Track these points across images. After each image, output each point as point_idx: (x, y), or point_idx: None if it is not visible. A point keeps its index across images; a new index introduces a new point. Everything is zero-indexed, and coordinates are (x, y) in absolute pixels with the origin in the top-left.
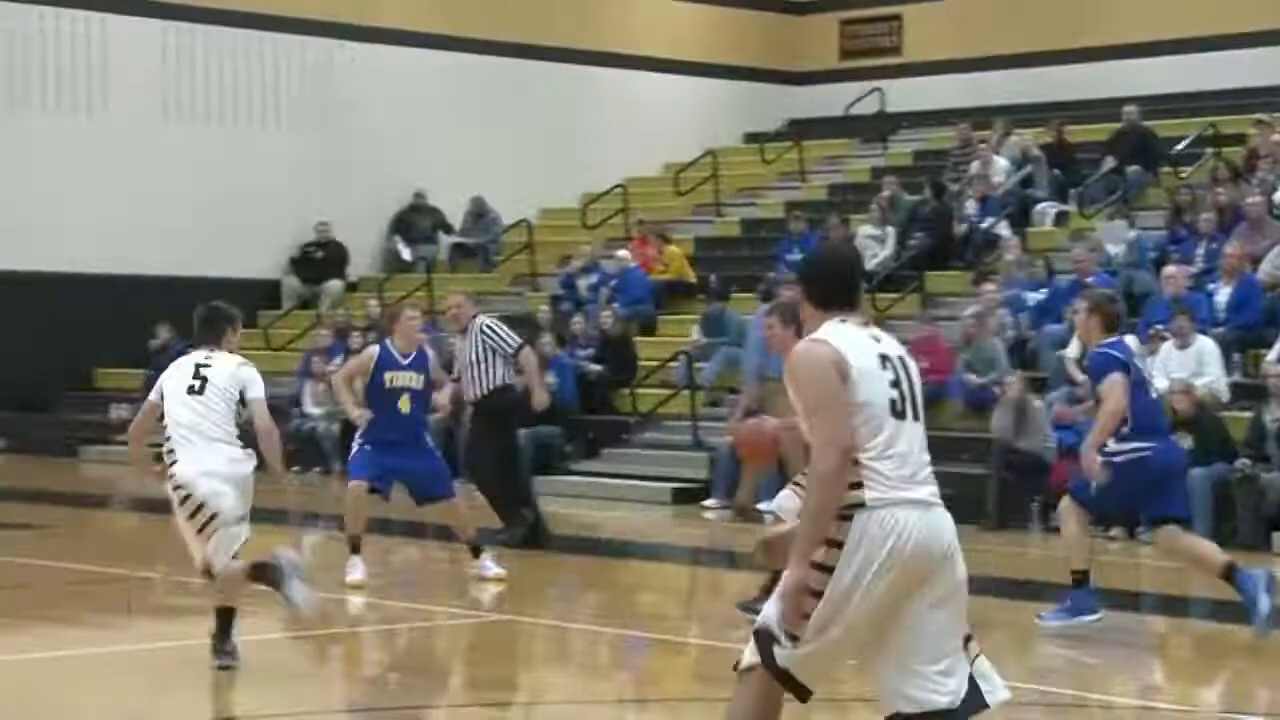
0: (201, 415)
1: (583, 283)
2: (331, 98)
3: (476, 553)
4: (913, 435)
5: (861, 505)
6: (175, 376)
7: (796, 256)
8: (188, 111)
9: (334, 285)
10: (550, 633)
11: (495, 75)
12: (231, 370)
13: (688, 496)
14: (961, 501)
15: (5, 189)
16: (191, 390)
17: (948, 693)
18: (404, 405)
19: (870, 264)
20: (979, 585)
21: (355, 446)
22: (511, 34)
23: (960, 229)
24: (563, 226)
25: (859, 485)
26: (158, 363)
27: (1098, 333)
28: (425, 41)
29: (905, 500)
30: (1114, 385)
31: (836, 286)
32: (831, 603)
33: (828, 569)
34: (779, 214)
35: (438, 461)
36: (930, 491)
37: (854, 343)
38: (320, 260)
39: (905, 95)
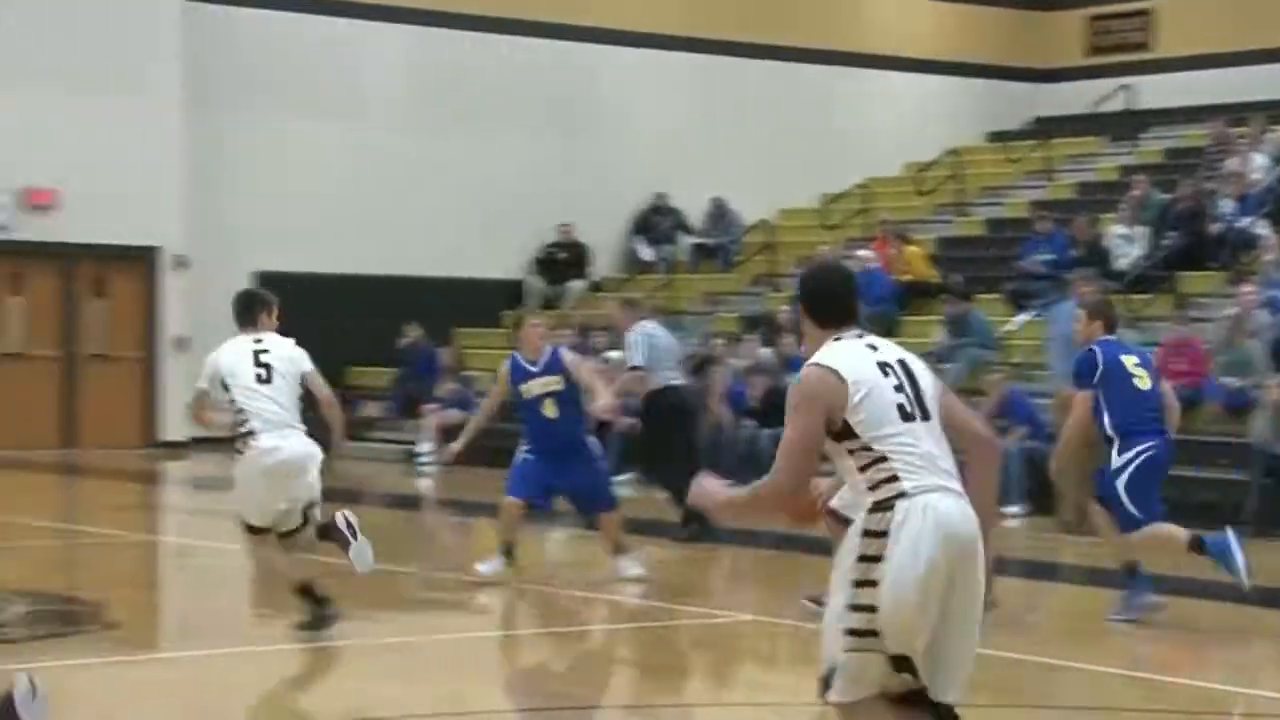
0: (273, 402)
1: None
2: (575, 100)
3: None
4: (928, 434)
5: (903, 494)
6: (239, 366)
7: (1046, 256)
8: (436, 115)
9: (576, 286)
10: (793, 632)
11: (737, 76)
12: (288, 353)
13: None
14: (1218, 508)
15: (266, 192)
16: (260, 379)
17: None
18: (549, 410)
19: (1120, 264)
20: (1238, 593)
21: (519, 453)
22: (753, 35)
23: (1215, 228)
24: (802, 227)
25: (895, 478)
26: (406, 361)
27: (1099, 334)
28: (668, 44)
29: (939, 488)
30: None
31: (831, 304)
32: (890, 584)
33: (877, 559)
34: (1024, 214)
35: (597, 474)
36: (950, 480)
37: (851, 357)
38: (563, 261)
39: (1155, 91)
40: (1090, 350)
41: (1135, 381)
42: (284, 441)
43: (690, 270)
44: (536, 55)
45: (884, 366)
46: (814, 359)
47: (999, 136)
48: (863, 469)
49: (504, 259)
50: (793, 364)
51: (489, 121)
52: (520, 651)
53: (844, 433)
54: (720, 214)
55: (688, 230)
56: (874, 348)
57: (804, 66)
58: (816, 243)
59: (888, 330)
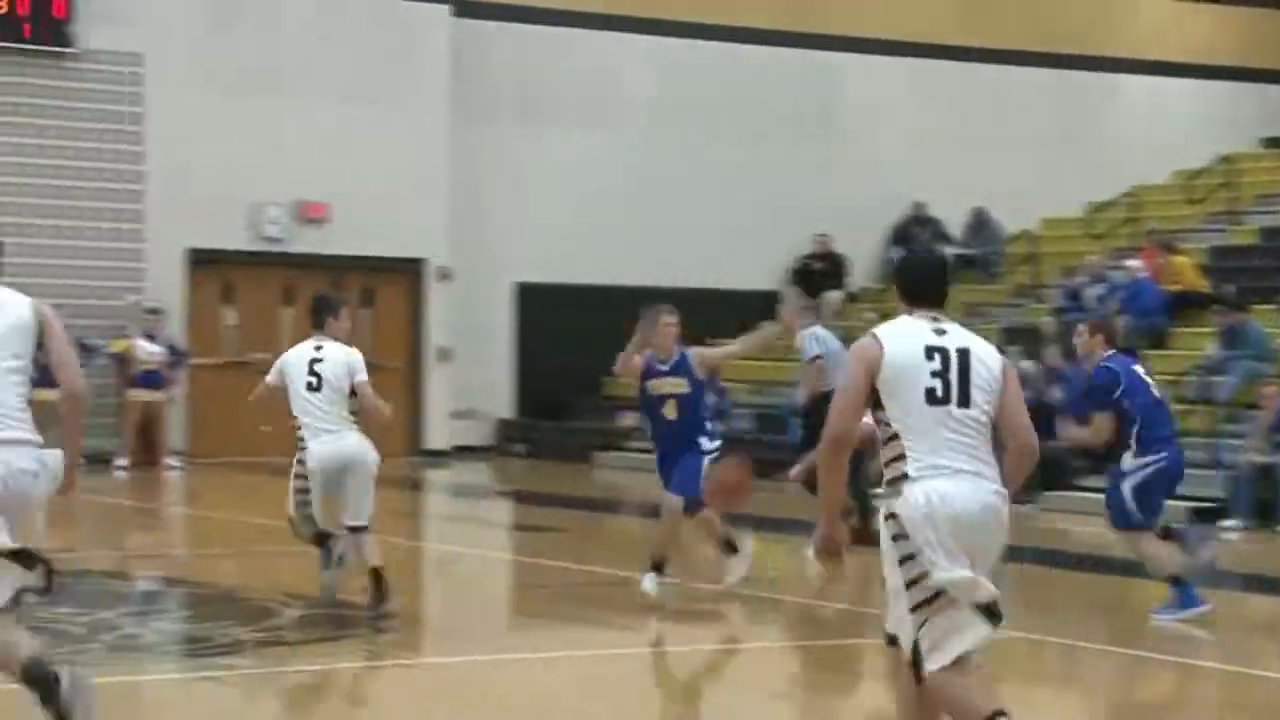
0: (320, 409)
1: (1090, 293)
2: (833, 111)
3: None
4: (952, 418)
5: (905, 477)
6: (295, 368)
7: None
8: (694, 126)
9: (833, 296)
10: (1061, 652)
11: (1000, 83)
12: (342, 361)
13: (1205, 516)
14: None
15: (527, 204)
16: (310, 387)
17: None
18: (669, 411)
19: None
20: None
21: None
22: (1018, 42)
23: None
24: (1067, 237)
25: (901, 458)
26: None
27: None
28: (928, 52)
29: (938, 470)
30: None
31: (918, 286)
32: (917, 553)
33: (905, 536)
34: None
35: (688, 473)
36: (964, 463)
37: (901, 333)
38: (819, 271)
39: None
40: (1106, 367)
41: (1154, 392)
42: (326, 446)
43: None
44: (793, 65)
45: (933, 350)
46: (875, 329)
47: (1275, 143)
48: (885, 443)
49: (761, 269)
50: (1059, 376)
51: (746, 132)
52: (776, 664)
53: (876, 403)
54: (981, 224)
55: (948, 240)
56: (939, 332)
57: (1070, 73)
58: (1083, 252)
59: (1157, 342)
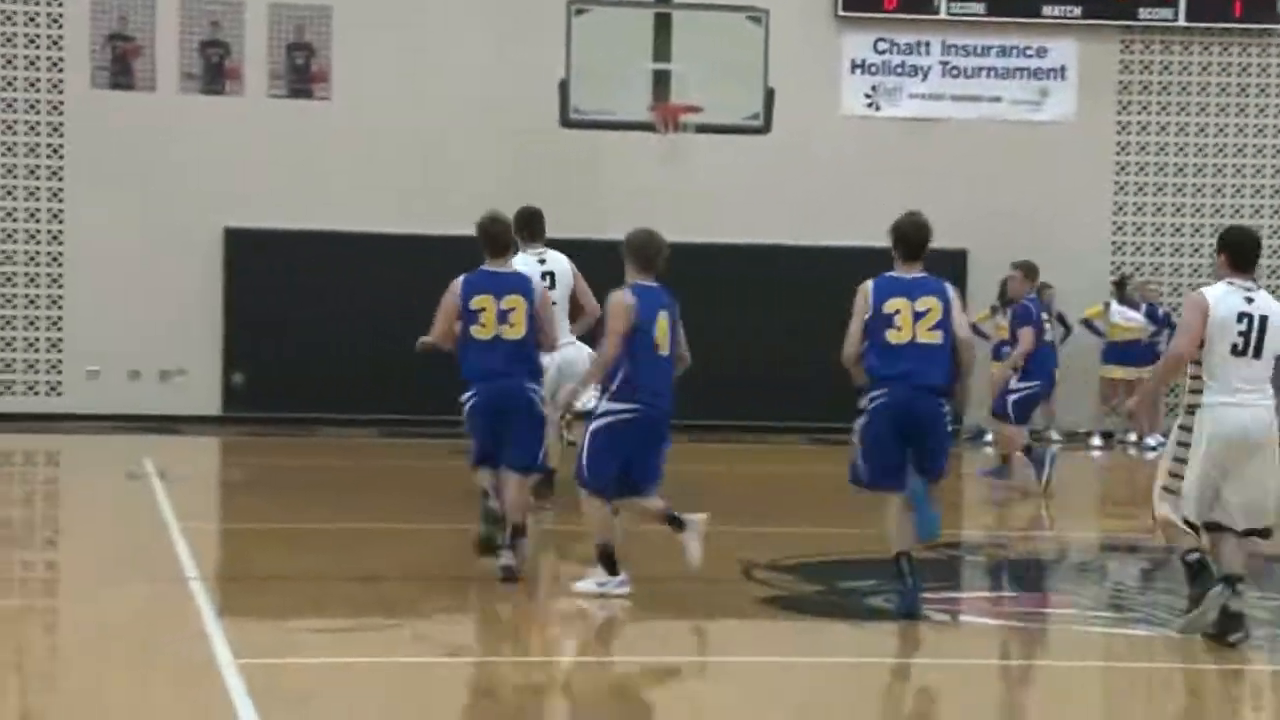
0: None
1: None
2: None
3: None
4: (1246, 367)
5: (1200, 405)
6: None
7: None
8: None
9: None
10: None
11: None
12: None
13: None
14: None
15: None
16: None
17: (1240, 522)
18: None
19: None
20: None
21: None
22: None
23: None
24: None
25: (1200, 391)
26: None
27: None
28: None
29: (1225, 403)
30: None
31: (1239, 257)
32: (1193, 459)
33: (1188, 445)
34: None
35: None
36: (1245, 398)
37: (1223, 299)
38: None
39: None
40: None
41: None
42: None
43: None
44: None
45: (1242, 315)
46: (1206, 287)
47: None
48: (1191, 378)
49: None
50: None
51: None
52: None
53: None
54: None
55: None
56: (1249, 300)
57: None
58: None
59: None
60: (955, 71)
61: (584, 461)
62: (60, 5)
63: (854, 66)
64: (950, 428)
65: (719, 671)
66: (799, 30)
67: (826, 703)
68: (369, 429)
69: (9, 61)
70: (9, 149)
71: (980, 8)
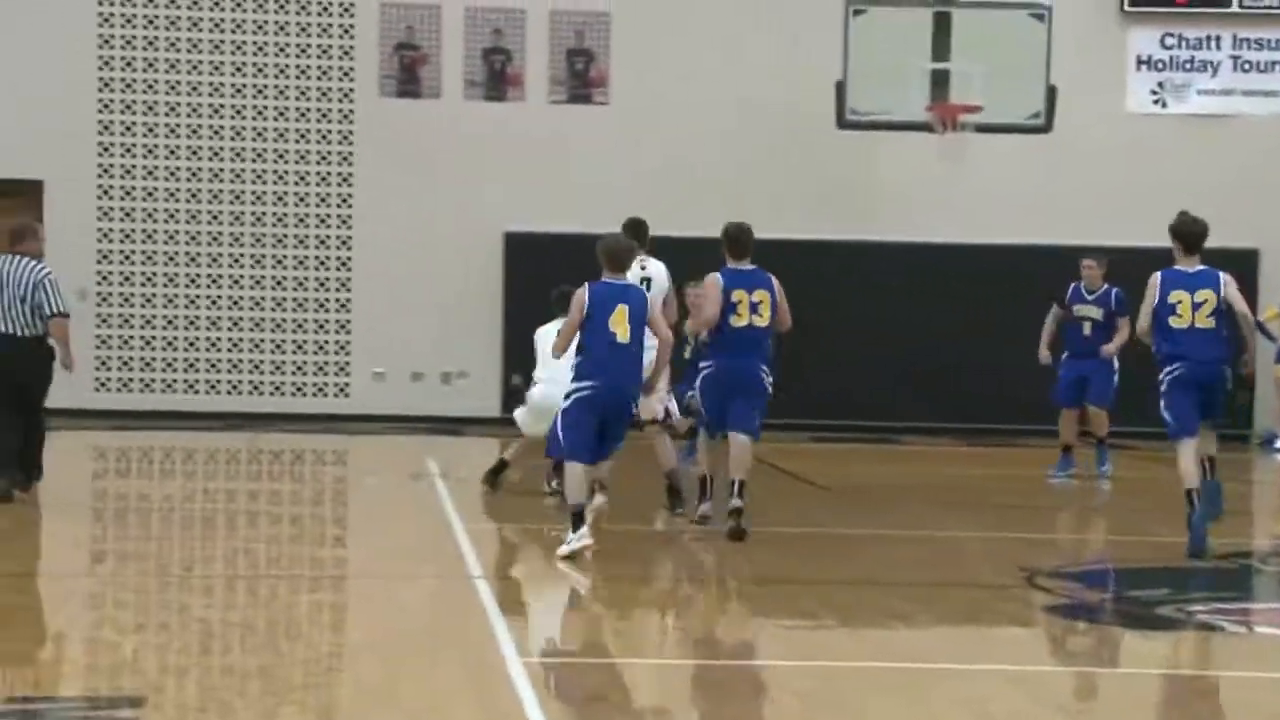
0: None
1: None
2: None
3: None
4: None
5: None
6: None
7: None
8: None
9: None
10: None
11: None
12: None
13: None
14: None
15: None
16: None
17: None
18: (1085, 330)
19: None
20: None
21: None
22: None
23: None
24: None
25: None
26: None
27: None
28: None
29: None
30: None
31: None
32: None
33: None
34: None
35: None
36: None
37: None
38: None
39: None
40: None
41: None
42: None
43: None
44: None
45: None
46: None
47: None
48: None
49: None
50: None
51: None
52: None
53: None
54: None
55: None
56: None
57: None
58: None
59: None
60: (1247, 66)
61: (559, 433)
62: (351, 17)
63: (1140, 62)
64: (1229, 385)
65: (1007, 678)
66: (1083, 26)
67: (1119, 712)
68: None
69: (303, 72)
70: (302, 157)
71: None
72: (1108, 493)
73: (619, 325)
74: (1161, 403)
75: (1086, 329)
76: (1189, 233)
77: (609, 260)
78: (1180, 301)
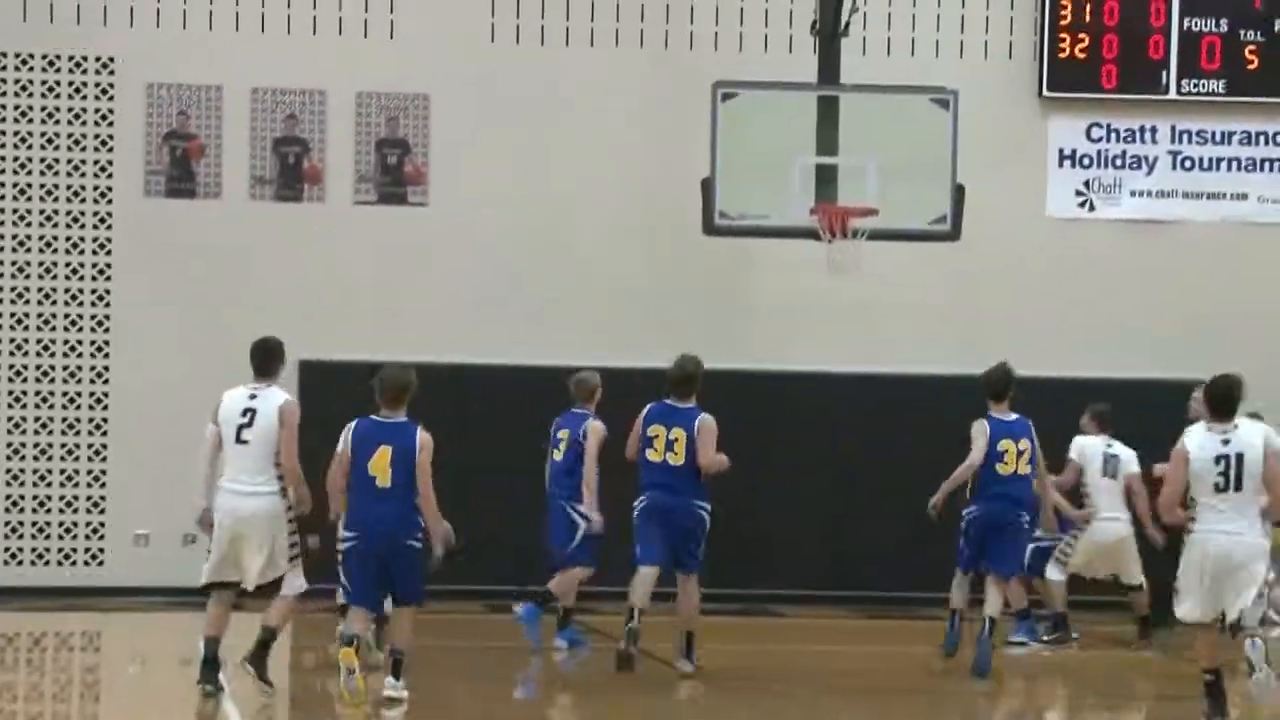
0: None
1: None
2: None
3: None
4: (1229, 501)
5: (1192, 532)
6: None
7: None
8: None
9: None
10: None
11: None
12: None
13: None
14: None
15: None
16: None
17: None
18: None
19: None
20: None
21: None
22: None
23: None
24: None
25: (1194, 520)
26: None
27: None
28: None
29: (1212, 531)
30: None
31: (1217, 405)
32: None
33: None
34: None
35: None
36: (1232, 527)
37: (1201, 443)
38: None
39: None
40: None
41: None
42: None
43: None
44: None
45: (1219, 458)
46: (1187, 433)
47: None
48: (1184, 507)
49: None
50: None
51: None
52: None
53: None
54: None
55: None
56: (1226, 441)
57: None
58: None
59: None
60: (1188, 163)
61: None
62: (110, 100)
63: (1063, 158)
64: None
65: None
66: (995, 114)
67: None
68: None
69: (49, 167)
70: (48, 270)
71: (1219, 84)
72: None
73: (377, 470)
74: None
75: None
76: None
77: (383, 398)
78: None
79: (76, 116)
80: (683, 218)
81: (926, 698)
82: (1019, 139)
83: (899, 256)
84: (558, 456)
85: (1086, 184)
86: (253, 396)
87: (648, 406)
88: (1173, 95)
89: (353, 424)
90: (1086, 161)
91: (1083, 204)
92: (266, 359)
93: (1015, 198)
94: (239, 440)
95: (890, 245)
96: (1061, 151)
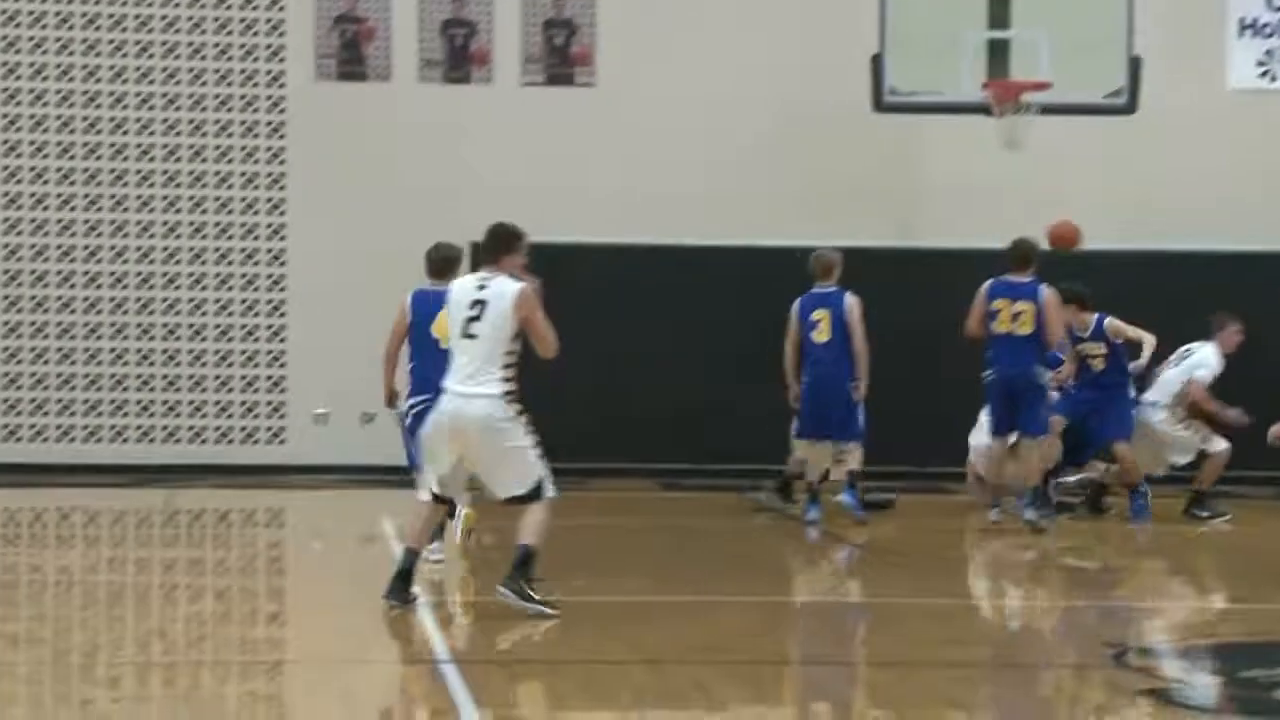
0: None
1: None
2: None
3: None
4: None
5: None
6: None
7: None
8: None
9: None
10: None
11: None
12: None
13: None
14: None
15: None
16: None
17: None
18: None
19: None
20: None
21: None
22: None
23: None
24: None
25: None
26: None
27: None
28: None
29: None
30: None
31: None
32: None
33: None
34: None
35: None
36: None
37: None
38: None
39: None
40: None
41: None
42: None
43: None
44: None
45: None
46: None
47: None
48: None
49: None
50: None
51: None
52: None
53: None
54: None
55: None
56: None
57: None
58: None
59: None
60: None
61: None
62: None
63: (1243, 27)
64: None
65: None
66: None
67: None
68: (649, 479)
69: (223, 52)
70: (223, 154)
71: None
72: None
73: (440, 332)
74: None
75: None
76: None
77: (432, 269)
78: None
79: (249, 1)
80: (854, 96)
81: None
82: (1198, 8)
83: (1072, 132)
84: (821, 337)
85: (1268, 54)
86: (481, 287)
87: (988, 282)
88: None
89: (409, 293)
90: (1268, 31)
91: (1264, 74)
92: (494, 244)
93: (1194, 70)
94: (466, 335)
95: (1063, 120)
96: (1242, 21)
